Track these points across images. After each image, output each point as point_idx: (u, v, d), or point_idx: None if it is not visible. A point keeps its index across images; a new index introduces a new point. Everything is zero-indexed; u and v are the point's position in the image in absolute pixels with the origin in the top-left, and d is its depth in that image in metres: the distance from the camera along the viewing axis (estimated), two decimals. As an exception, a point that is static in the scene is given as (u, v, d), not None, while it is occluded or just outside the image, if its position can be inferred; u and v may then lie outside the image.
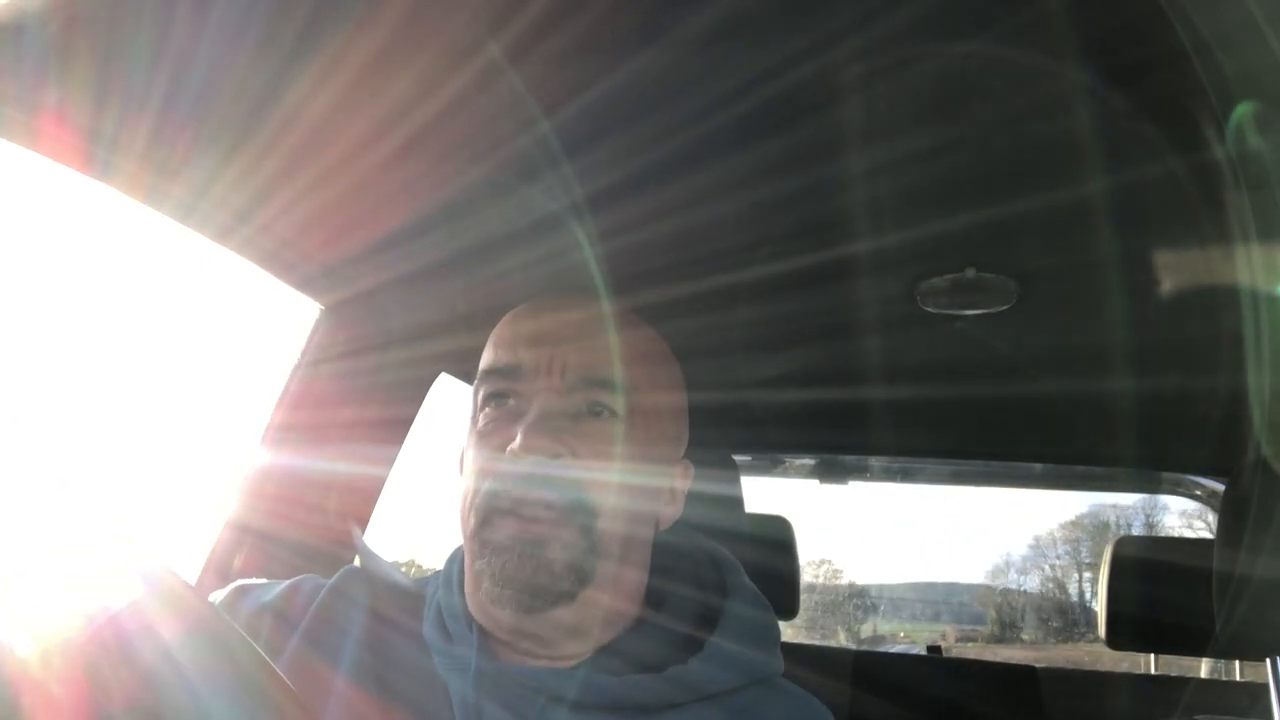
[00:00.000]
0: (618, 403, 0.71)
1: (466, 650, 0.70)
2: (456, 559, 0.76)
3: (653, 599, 0.77)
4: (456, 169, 0.90)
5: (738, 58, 0.73)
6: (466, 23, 0.69)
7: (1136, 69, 0.69)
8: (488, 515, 0.68)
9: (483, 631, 0.71)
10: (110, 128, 0.79)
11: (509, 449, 0.67)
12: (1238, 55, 0.54)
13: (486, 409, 0.73)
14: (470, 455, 0.72)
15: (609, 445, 0.70)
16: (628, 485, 0.70)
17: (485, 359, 0.74)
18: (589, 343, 0.72)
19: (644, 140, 0.83)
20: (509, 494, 0.67)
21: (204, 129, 0.81)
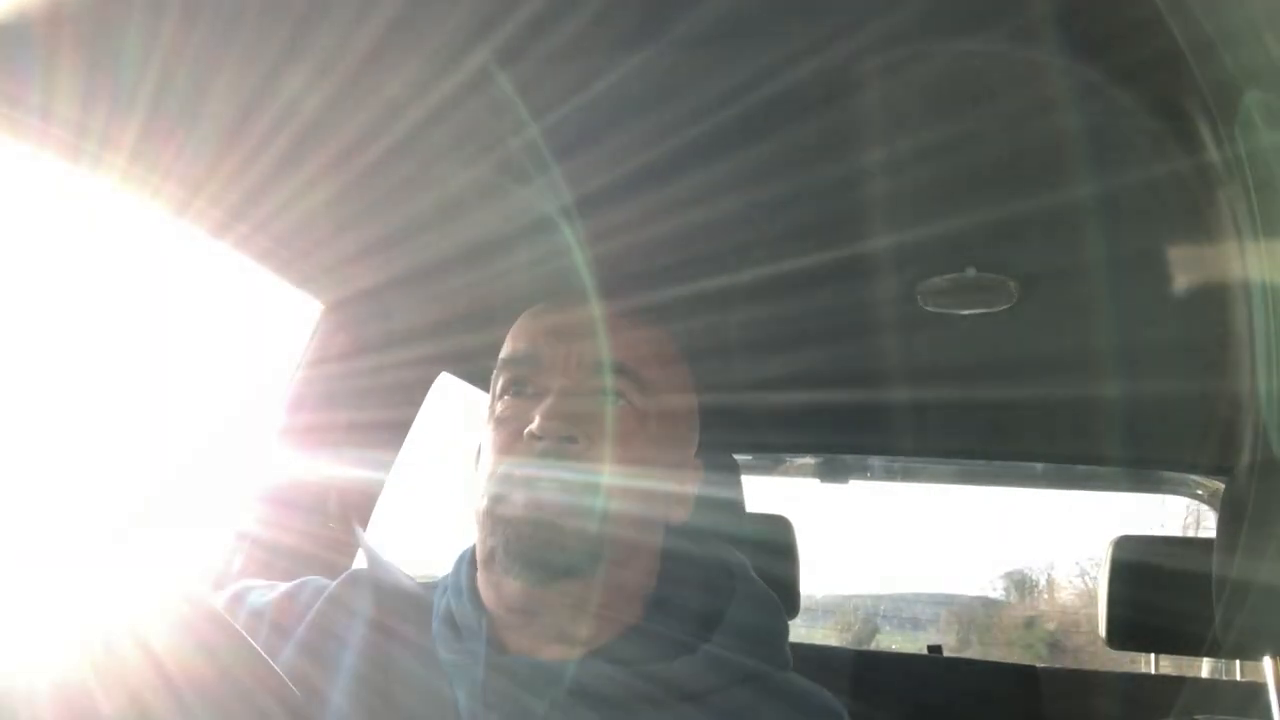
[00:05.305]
0: (634, 393, 0.72)
1: (475, 645, 0.70)
2: (464, 562, 0.77)
3: (659, 601, 0.77)
4: (452, 169, 0.90)
5: (735, 58, 0.73)
6: (458, 24, 0.69)
7: (1137, 68, 0.69)
8: (501, 492, 0.69)
9: (491, 629, 0.71)
10: (99, 123, 0.79)
11: (526, 431, 0.69)
12: (1239, 54, 0.54)
13: (505, 396, 0.74)
14: (487, 440, 0.74)
15: (624, 434, 0.71)
16: (640, 474, 0.72)
17: (505, 349, 0.76)
18: (607, 337, 0.74)
19: (642, 140, 0.83)
20: (523, 476, 0.69)
21: (195, 125, 0.81)
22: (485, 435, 0.75)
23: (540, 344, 0.74)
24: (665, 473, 0.75)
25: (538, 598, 0.69)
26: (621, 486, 0.70)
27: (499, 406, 0.74)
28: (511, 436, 0.71)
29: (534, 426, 0.68)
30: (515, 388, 0.74)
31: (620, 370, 0.72)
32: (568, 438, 0.69)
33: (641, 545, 0.74)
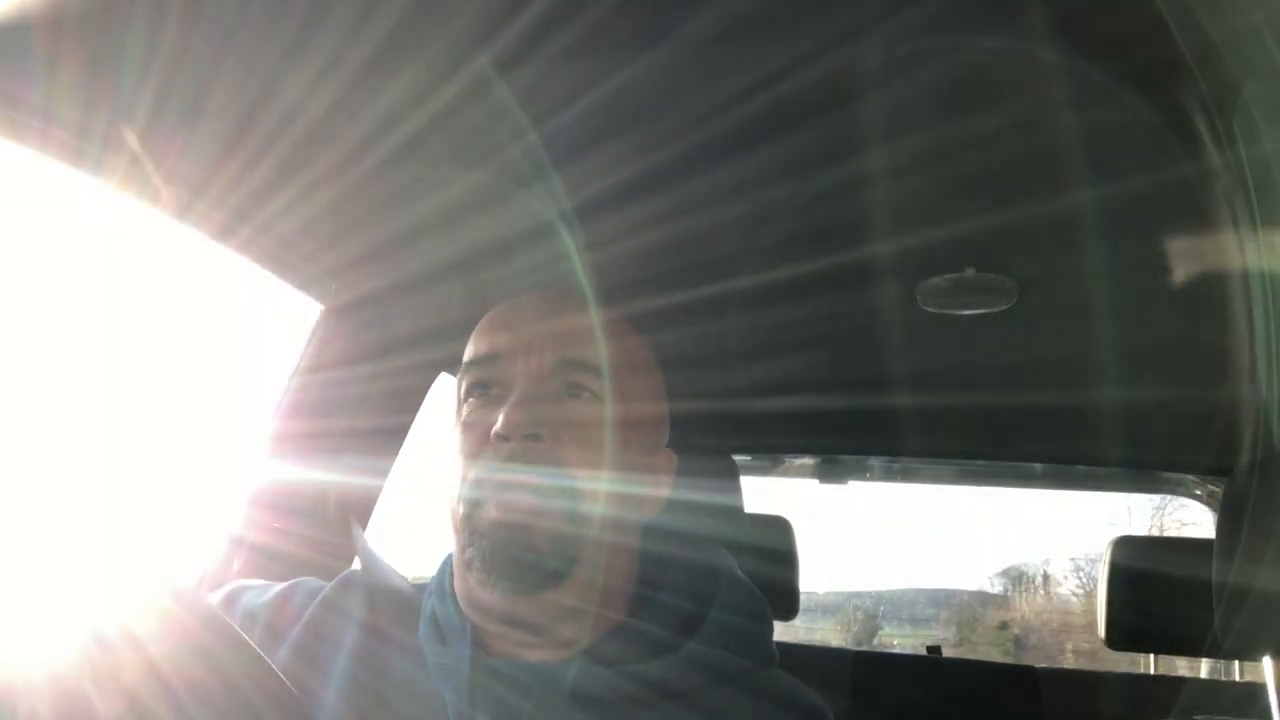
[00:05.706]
0: (596, 384, 0.72)
1: (460, 650, 0.70)
2: (448, 565, 0.76)
3: (641, 600, 0.76)
4: (454, 174, 0.91)
5: (733, 63, 0.73)
6: (459, 30, 0.69)
7: (1139, 71, 0.69)
8: (474, 503, 0.69)
9: (476, 631, 0.71)
10: (102, 125, 0.79)
11: (492, 432, 0.68)
12: (1240, 58, 0.54)
13: (469, 400, 0.74)
14: (455, 446, 0.73)
15: (589, 426, 0.71)
16: (609, 467, 0.71)
17: (467, 353, 0.75)
18: (565, 329, 0.73)
19: (642, 145, 0.83)
20: (494, 480, 0.68)
21: (198, 129, 0.82)
22: (452, 440, 0.74)
23: (498, 342, 0.73)
24: (634, 464, 0.74)
25: (517, 607, 0.69)
26: (591, 480, 0.69)
27: (464, 410, 0.73)
28: (478, 439, 0.70)
29: (498, 427, 0.67)
30: (479, 390, 0.73)
31: (581, 365, 0.72)
32: (532, 435, 0.68)
33: (616, 539, 0.73)
